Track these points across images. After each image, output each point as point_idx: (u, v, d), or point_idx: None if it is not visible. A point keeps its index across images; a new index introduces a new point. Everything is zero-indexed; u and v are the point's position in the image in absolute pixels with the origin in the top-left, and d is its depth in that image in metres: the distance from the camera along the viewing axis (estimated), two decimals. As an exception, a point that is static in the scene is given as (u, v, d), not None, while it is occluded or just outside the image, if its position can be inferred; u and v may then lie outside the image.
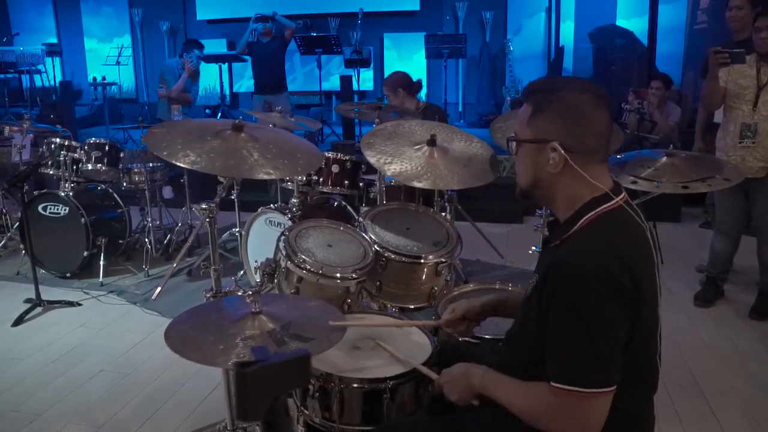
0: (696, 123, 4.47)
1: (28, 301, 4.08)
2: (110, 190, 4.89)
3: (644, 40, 7.94)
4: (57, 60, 11.59)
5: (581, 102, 1.47)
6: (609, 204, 1.47)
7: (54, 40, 11.66)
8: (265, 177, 2.17)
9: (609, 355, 1.36)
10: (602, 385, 1.36)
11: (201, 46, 6.57)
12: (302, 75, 10.50)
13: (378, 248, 2.65)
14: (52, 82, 11.23)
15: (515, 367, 1.57)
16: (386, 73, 10.36)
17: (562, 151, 1.46)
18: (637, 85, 7.29)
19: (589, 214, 1.46)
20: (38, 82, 10.97)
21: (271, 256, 2.62)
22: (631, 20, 8.49)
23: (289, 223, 3.64)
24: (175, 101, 6.20)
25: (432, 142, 2.74)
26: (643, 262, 1.44)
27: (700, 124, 4.34)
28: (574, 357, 1.37)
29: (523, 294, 1.72)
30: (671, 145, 2.93)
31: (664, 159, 2.75)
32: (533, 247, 3.54)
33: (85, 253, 4.51)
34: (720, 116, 3.97)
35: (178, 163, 2.11)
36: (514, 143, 1.58)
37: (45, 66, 11.14)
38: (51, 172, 4.76)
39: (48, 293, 4.23)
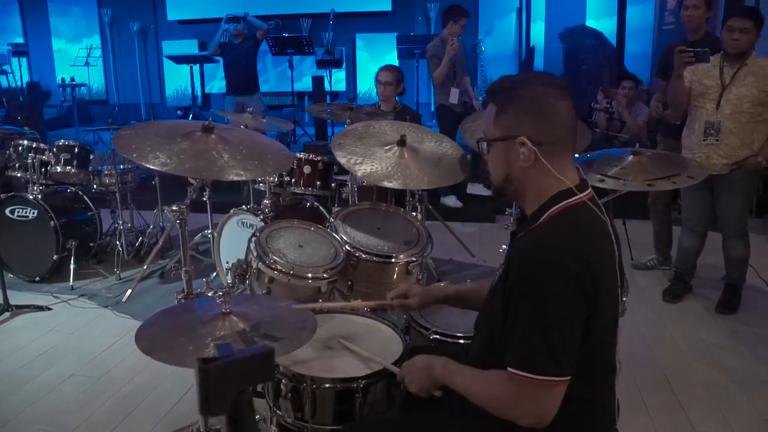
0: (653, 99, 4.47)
1: (-5, 306, 4.02)
2: (80, 193, 4.82)
3: (613, 40, 8.05)
4: (24, 60, 11.41)
5: (544, 94, 1.50)
6: (573, 199, 1.50)
7: (20, 40, 11.47)
8: (236, 178, 2.18)
9: (560, 345, 1.39)
10: (552, 373, 1.39)
11: (465, 14, 5.70)
12: (274, 76, 10.48)
13: (349, 248, 2.66)
14: (19, 83, 11.06)
15: (483, 357, 1.59)
16: (358, 74, 10.43)
17: (531, 145, 1.49)
18: (606, 84, 7.38)
19: (554, 208, 1.50)
20: (4, 83, 10.80)
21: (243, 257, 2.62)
22: (601, 20, 8.60)
23: (262, 224, 3.63)
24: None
25: (402, 143, 2.76)
26: (603, 256, 1.47)
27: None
28: (526, 343, 1.40)
29: (483, 286, 1.75)
30: (638, 144, 2.98)
31: (631, 158, 2.80)
32: (504, 246, 3.56)
33: (55, 257, 4.45)
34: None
35: (148, 165, 2.11)
36: (485, 144, 1.60)
37: (11, 66, 10.96)
38: (19, 175, 4.69)
39: (17, 298, 4.16)
